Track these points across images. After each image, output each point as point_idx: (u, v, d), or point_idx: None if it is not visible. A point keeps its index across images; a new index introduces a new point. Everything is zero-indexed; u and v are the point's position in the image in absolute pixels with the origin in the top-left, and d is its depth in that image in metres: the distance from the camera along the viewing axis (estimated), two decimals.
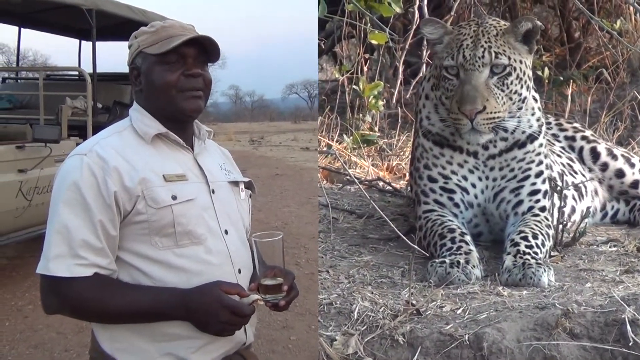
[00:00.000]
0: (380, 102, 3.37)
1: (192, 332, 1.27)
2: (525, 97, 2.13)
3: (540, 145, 2.22)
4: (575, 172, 2.54)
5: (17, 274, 4.75)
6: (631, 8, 3.81)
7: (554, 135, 2.65)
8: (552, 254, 2.17)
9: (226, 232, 1.37)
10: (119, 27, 6.20)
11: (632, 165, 2.61)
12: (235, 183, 1.48)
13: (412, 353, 1.60)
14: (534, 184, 2.19)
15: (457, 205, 2.20)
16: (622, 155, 2.63)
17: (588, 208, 2.50)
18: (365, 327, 1.64)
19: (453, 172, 2.20)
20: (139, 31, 1.38)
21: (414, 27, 3.09)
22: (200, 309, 1.24)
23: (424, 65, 3.03)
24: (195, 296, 1.25)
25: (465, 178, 2.20)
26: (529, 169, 2.19)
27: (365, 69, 3.61)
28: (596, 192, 2.60)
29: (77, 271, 1.21)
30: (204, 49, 1.36)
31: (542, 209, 2.18)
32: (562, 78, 3.89)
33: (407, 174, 2.83)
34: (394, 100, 3.38)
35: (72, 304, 1.25)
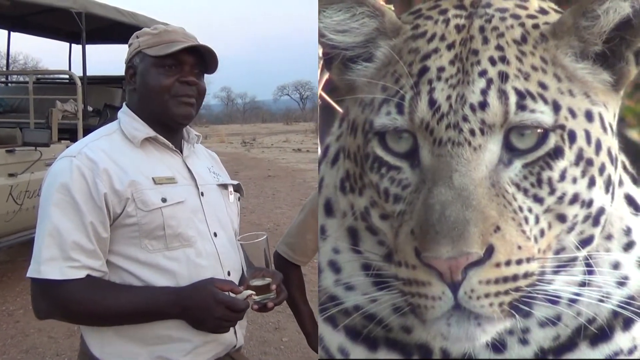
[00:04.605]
0: None
1: (183, 334, 1.27)
2: (600, 208, 0.98)
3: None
4: None
5: (8, 279, 4.73)
6: None
7: None
8: None
9: (215, 234, 1.37)
10: (109, 30, 6.20)
11: None
12: (224, 186, 1.48)
13: None
14: None
15: None
16: None
17: None
18: None
19: None
20: (141, 31, 1.39)
21: None
22: (195, 305, 1.24)
23: None
24: (189, 293, 1.24)
25: None
26: None
27: None
28: None
29: (69, 273, 1.20)
30: (202, 59, 1.37)
31: None
32: None
33: None
34: None
35: (65, 307, 1.23)
